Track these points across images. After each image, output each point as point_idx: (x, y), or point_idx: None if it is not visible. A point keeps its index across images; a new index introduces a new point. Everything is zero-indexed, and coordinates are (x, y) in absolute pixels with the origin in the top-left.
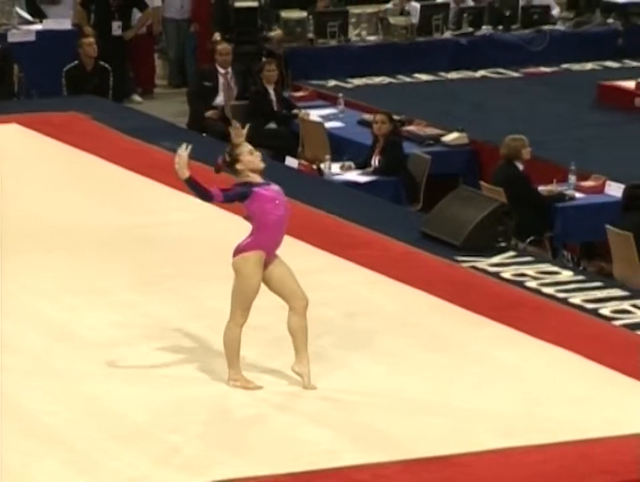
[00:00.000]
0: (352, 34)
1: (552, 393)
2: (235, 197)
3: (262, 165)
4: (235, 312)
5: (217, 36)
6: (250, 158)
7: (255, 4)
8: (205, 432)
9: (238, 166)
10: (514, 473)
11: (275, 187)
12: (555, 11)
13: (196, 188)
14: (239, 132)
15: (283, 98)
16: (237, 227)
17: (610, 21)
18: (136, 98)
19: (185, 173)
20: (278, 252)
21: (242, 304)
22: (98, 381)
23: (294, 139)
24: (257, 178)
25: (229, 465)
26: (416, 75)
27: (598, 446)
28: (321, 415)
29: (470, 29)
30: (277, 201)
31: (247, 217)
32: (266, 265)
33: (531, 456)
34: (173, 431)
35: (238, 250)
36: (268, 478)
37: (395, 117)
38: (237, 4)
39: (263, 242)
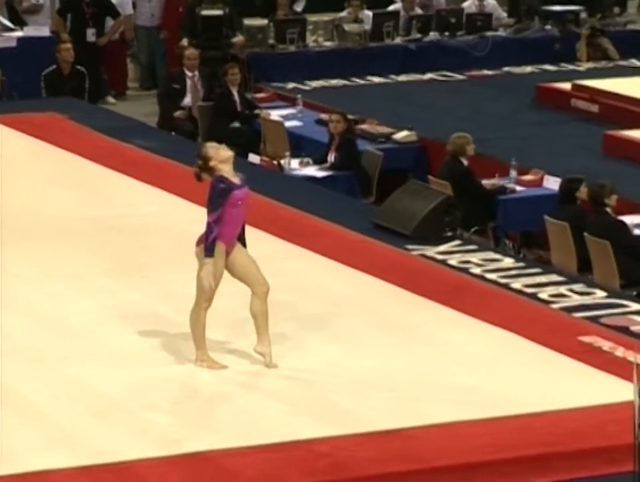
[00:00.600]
0: (310, 40)
1: (495, 370)
2: (219, 204)
3: (230, 153)
4: (200, 298)
5: (184, 42)
6: (221, 153)
7: (220, 12)
8: (176, 408)
9: (211, 163)
10: (459, 445)
11: (245, 188)
12: (503, 16)
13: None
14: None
15: (246, 99)
16: (204, 217)
17: (547, 27)
18: (110, 99)
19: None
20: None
21: (203, 291)
22: (77, 361)
23: (257, 137)
24: (231, 173)
25: (199, 440)
26: (369, 78)
27: (537, 420)
28: (282, 392)
29: (419, 36)
30: (241, 202)
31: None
32: (227, 253)
33: (474, 429)
34: (147, 408)
35: (200, 240)
36: (234, 450)
37: (350, 117)
38: (204, 12)
39: (225, 234)
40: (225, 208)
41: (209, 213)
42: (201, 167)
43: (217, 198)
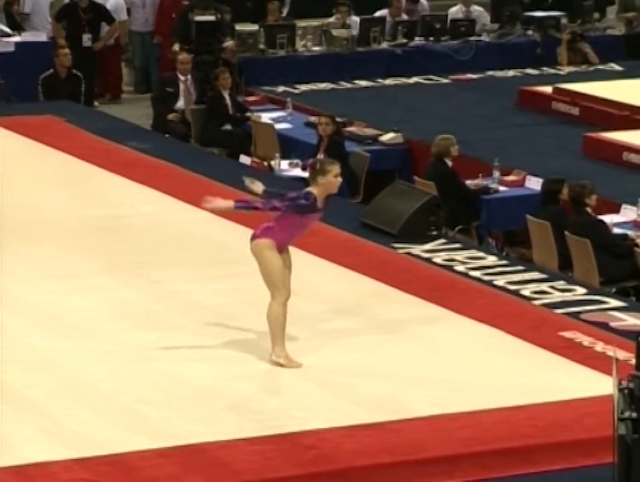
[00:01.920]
0: (299, 45)
1: (478, 365)
2: (297, 209)
3: (335, 191)
4: (273, 292)
5: (176, 47)
6: (334, 181)
7: (213, 18)
8: (170, 402)
9: (320, 179)
10: (442, 437)
11: (320, 214)
12: (487, 20)
13: (247, 206)
14: (256, 185)
15: (237, 102)
16: (198, 217)
17: (529, 32)
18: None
19: (230, 203)
20: None
21: (274, 283)
22: (73, 357)
23: (247, 139)
24: (321, 200)
25: (192, 432)
26: (356, 81)
27: (518, 413)
28: (271, 385)
29: (405, 40)
30: (310, 225)
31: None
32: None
33: (457, 422)
34: (141, 401)
35: (254, 236)
36: (226, 442)
37: (338, 119)
38: (198, 18)
39: (279, 238)
40: (294, 218)
41: (276, 209)
42: (314, 169)
43: (295, 207)
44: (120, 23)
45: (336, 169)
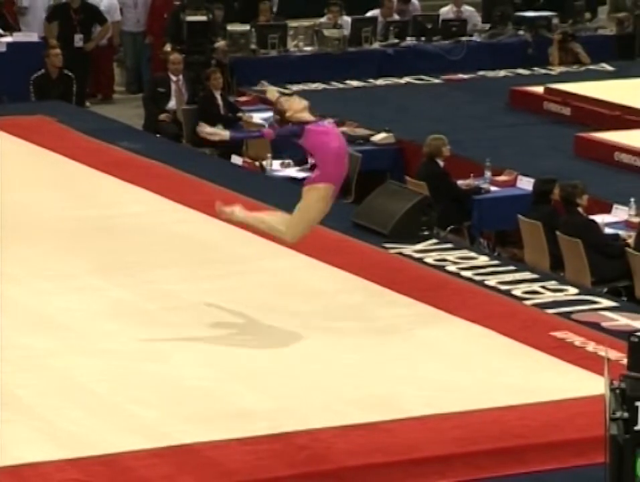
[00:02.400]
0: (290, 45)
1: (470, 365)
2: (287, 133)
3: (304, 102)
4: (289, 229)
5: (167, 47)
6: (290, 102)
7: (205, 18)
8: (162, 402)
9: (287, 114)
10: (434, 437)
11: (326, 122)
12: (478, 21)
13: (243, 135)
14: (270, 91)
15: (229, 102)
16: (189, 217)
17: (521, 32)
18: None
19: (225, 135)
20: None
21: (299, 225)
22: (66, 357)
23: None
24: (307, 117)
25: (185, 432)
26: (348, 81)
27: (510, 413)
28: (264, 385)
29: (396, 40)
30: (330, 135)
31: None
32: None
33: (449, 422)
34: (134, 402)
35: (309, 181)
36: (219, 442)
37: (330, 119)
38: (189, 18)
39: (329, 174)
40: (313, 147)
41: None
42: (277, 121)
43: (291, 136)
44: (113, 23)
45: (281, 99)
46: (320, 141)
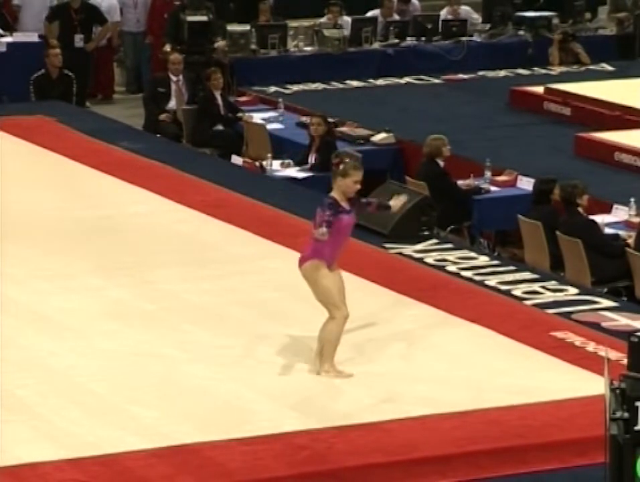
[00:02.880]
0: (290, 45)
1: (469, 365)
2: (329, 223)
3: (351, 195)
4: (332, 311)
5: (167, 47)
6: (352, 186)
7: (205, 18)
8: (162, 402)
9: (339, 181)
10: (433, 437)
11: (352, 214)
12: (477, 21)
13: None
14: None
15: (229, 102)
16: (189, 218)
17: (521, 32)
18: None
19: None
20: None
21: (331, 302)
22: (64, 357)
23: (239, 139)
24: (344, 202)
25: (184, 432)
26: (348, 81)
27: (510, 413)
28: (264, 386)
29: (396, 41)
30: (347, 228)
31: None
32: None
33: (447, 422)
34: (133, 402)
35: (303, 259)
36: (219, 442)
37: (330, 119)
38: (190, 18)
39: (325, 254)
40: (331, 230)
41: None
42: (337, 168)
43: (324, 217)
44: (112, 23)
45: (358, 175)
46: (336, 230)
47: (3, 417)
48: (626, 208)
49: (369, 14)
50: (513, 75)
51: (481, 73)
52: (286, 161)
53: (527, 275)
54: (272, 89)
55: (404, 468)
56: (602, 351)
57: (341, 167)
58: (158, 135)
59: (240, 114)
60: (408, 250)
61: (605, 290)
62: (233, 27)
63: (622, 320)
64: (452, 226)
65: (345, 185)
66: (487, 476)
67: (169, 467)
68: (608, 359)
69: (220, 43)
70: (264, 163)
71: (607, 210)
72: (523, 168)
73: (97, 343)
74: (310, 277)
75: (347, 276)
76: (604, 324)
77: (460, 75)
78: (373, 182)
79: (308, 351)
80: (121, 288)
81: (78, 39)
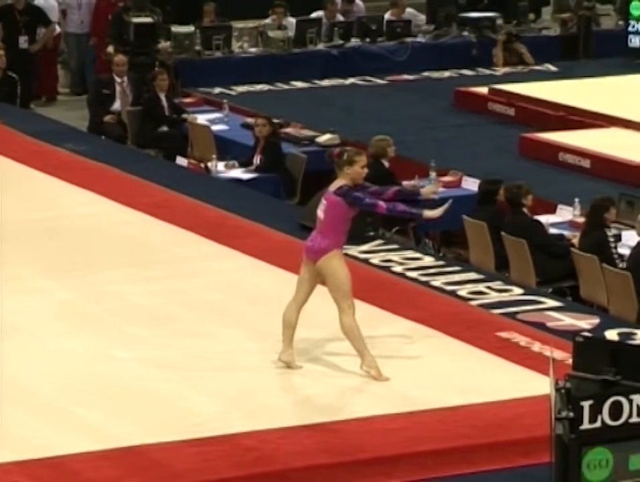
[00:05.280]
0: (235, 46)
1: (416, 365)
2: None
3: (360, 182)
4: (342, 305)
5: (110, 49)
6: (361, 172)
7: (150, 19)
8: (109, 404)
9: (347, 170)
10: (379, 438)
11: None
12: (422, 22)
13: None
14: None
15: (174, 103)
16: (134, 219)
17: (465, 33)
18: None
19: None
20: None
21: (346, 293)
22: (12, 359)
23: (184, 141)
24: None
25: (131, 434)
26: (293, 82)
27: (456, 413)
28: (211, 387)
29: (341, 42)
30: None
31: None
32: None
33: (394, 423)
34: (80, 404)
35: (320, 253)
36: (166, 444)
37: (275, 120)
38: (135, 20)
39: (340, 242)
40: (338, 216)
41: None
42: (340, 158)
43: (355, 202)
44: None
45: (363, 160)
46: (346, 215)
47: None
48: (570, 208)
49: (314, 15)
50: (458, 76)
51: (425, 74)
52: (231, 162)
53: (472, 275)
54: (217, 90)
55: (350, 468)
56: (548, 351)
57: (345, 156)
58: (103, 137)
59: (184, 116)
60: (353, 250)
61: (550, 290)
62: (177, 28)
63: (567, 321)
64: (398, 227)
65: (354, 172)
66: (434, 476)
67: (117, 469)
68: (554, 359)
69: (164, 45)
70: (209, 164)
71: (552, 210)
72: (467, 168)
73: (44, 344)
74: (330, 268)
75: (291, 278)
76: (549, 324)
77: (405, 76)
78: (319, 182)
79: (255, 350)
80: (68, 290)
81: (22, 41)
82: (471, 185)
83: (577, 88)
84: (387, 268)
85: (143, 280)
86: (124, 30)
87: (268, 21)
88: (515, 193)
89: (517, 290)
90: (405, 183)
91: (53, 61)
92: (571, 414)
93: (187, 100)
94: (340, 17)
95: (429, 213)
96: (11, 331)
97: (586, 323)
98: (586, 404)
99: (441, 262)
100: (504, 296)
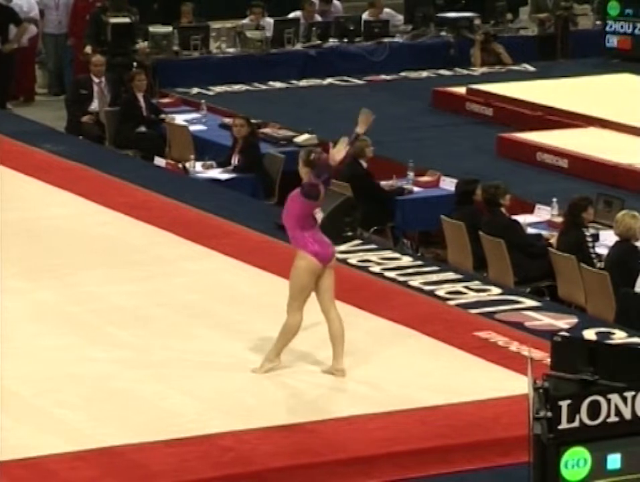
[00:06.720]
0: (213, 47)
1: (394, 365)
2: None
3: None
4: (292, 304)
5: (88, 49)
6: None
7: (128, 20)
8: (86, 405)
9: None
10: (358, 438)
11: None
12: (399, 22)
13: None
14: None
15: (151, 104)
16: (113, 219)
17: (443, 33)
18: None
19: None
20: None
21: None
22: None
23: (162, 141)
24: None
25: (109, 435)
26: (270, 83)
27: (434, 413)
28: (189, 388)
29: (319, 42)
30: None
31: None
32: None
33: (372, 423)
34: (58, 404)
35: (333, 253)
36: (143, 445)
37: (253, 121)
38: (113, 20)
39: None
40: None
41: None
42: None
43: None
44: (21, 26)
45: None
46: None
47: None
48: (548, 208)
49: (292, 15)
50: (435, 76)
51: (403, 74)
52: (209, 163)
53: (450, 275)
54: (195, 90)
55: (328, 468)
56: (526, 351)
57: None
58: (80, 137)
59: (162, 116)
60: None
61: (528, 290)
62: (155, 29)
63: (545, 320)
64: (376, 227)
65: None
66: (412, 476)
67: (94, 470)
68: (532, 359)
69: (142, 45)
70: (187, 164)
71: (530, 210)
72: (445, 168)
73: (22, 345)
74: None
75: (269, 278)
76: (527, 324)
77: (383, 76)
78: (297, 183)
79: (233, 350)
80: (46, 290)
81: None
82: (449, 185)
83: (555, 88)
84: (365, 268)
85: (122, 280)
86: (101, 30)
87: (245, 21)
88: (493, 193)
89: (495, 290)
90: (383, 183)
91: (30, 62)
92: (549, 414)
93: (165, 100)
94: (318, 17)
95: (336, 156)
96: None
97: (564, 322)
98: (564, 404)
99: (419, 262)
100: (482, 296)
